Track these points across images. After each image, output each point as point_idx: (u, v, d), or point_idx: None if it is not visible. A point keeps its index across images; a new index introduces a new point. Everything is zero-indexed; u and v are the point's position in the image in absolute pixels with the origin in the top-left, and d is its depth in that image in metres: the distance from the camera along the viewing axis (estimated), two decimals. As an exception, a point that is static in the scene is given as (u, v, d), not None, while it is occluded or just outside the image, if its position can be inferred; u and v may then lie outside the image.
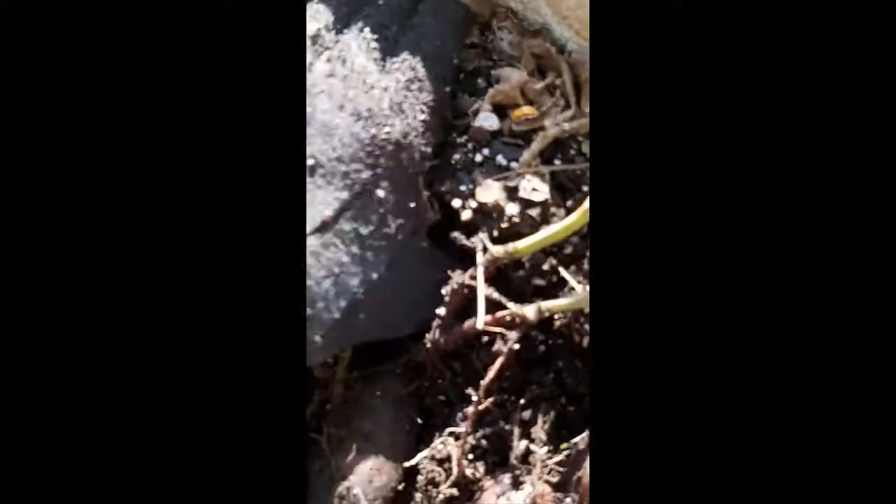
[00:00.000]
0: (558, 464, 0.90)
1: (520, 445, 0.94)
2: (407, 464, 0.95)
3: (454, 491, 0.92)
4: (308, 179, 0.90)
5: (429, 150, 0.99)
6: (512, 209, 0.97)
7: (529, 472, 0.91)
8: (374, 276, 0.92)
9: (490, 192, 0.97)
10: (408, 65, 0.98)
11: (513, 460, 0.93)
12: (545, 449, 0.91)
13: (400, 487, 0.94)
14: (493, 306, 0.93)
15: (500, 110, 1.05)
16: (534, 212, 0.97)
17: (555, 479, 0.90)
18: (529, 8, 1.06)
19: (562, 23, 1.03)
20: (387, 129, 0.93)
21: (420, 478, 0.94)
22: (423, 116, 0.98)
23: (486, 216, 0.98)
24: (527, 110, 1.02)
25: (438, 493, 0.92)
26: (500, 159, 1.01)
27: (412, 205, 0.96)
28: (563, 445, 0.92)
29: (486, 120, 1.04)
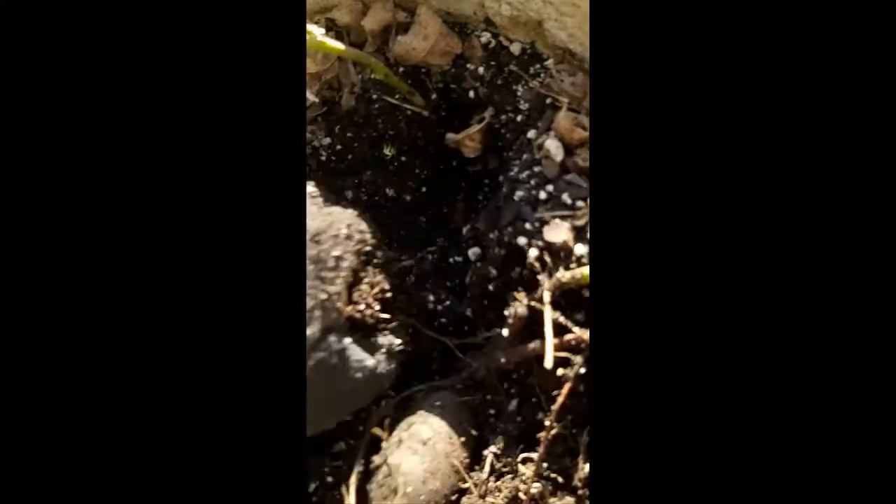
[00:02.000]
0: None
1: (584, 468, 0.96)
2: (466, 483, 0.99)
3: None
4: None
5: None
6: (580, 250, 0.99)
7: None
8: None
9: (558, 231, 1.00)
10: None
11: (576, 482, 0.97)
12: None
13: (454, 497, 0.99)
14: (558, 330, 0.97)
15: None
16: (602, 253, 0.99)
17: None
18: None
19: (623, 64, 1.07)
20: None
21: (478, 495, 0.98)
22: None
23: (554, 255, 1.00)
24: None
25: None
26: (566, 198, 1.03)
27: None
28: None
29: (553, 146, 1.07)
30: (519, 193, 1.06)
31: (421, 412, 1.05)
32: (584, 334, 0.95)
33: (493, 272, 1.07)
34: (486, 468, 1.00)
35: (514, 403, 1.04)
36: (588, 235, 1.00)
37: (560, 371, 0.95)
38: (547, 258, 1.00)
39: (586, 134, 1.07)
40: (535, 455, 0.97)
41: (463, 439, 1.03)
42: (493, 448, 1.02)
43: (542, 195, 1.05)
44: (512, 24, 1.16)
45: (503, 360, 1.03)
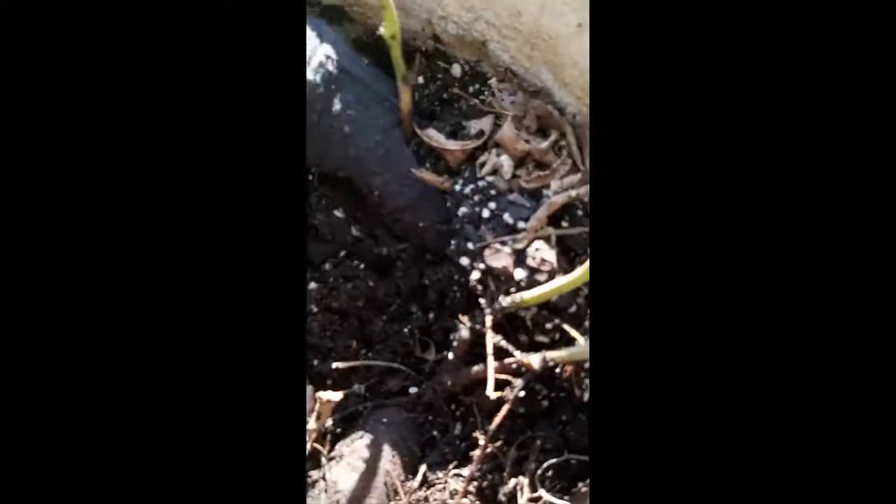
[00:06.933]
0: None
1: (510, 483, 1.00)
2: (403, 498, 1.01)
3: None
4: None
5: None
6: (520, 274, 1.01)
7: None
8: None
9: (499, 257, 1.01)
10: None
11: (501, 497, 1.00)
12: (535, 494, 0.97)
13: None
14: (499, 354, 1.00)
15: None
16: (541, 277, 1.00)
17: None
18: (530, 72, 1.13)
19: (563, 88, 1.09)
20: None
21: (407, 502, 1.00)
22: None
23: (495, 278, 1.02)
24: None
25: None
26: (507, 217, 1.04)
27: None
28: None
29: (505, 162, 1.07)
30: (462, 210, 1.08)
31: (365, 428, 1.06)
32: (525, 358, 0.98)
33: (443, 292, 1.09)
34: (419, 478, 1.03)
35: (458, 426, 1.06)
36: (528, 259, 1.02)
37: (499, 394, 0.98)
38: (489, 282, 1.03)
39: (529, 147, 1.08)
40: (465, 471, 0.99)
41: (406, 459, 1.04)
42: (428, 461, 1.04)
43: (485, 213, 1.07)
44: (458, 42, 1.17)
45: (449, 382, 1.05)
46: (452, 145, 1.10)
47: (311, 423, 1.05)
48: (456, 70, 1.19)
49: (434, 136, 1.11)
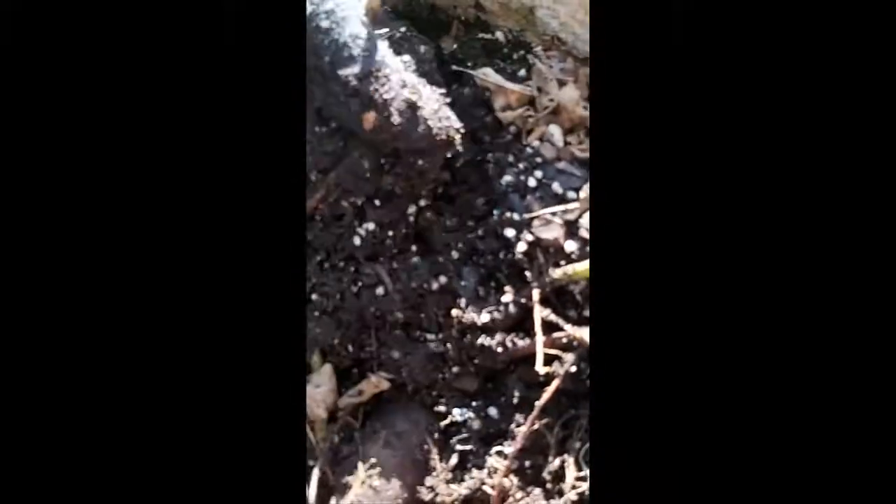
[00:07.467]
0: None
1: (555, 462, 0.96)
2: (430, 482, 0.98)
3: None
4: None
5: None
6: (571, 246, 0.97)
7: (560, 494, 0.94)
8: None
9: (549, 229, 0.97)
10: None
11: (545, 475, 0.96)
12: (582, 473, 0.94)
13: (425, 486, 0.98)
14: (548, 328, 0.96)
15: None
16: (592, 249, 0.96)
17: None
18: (581, 38, 1.09)
19: (617, 55, 1.05)
20: None
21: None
22: None
23: (544, 250, 0.98)
24: None
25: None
26: (556, 187, 1.00)
27: None
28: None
29: (550, 129, 1.04)
30: (507, 178, 1.03)
31: (401, 404, 1.03)
32: (576, 332, 0.94)
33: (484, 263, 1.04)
34: (455, 457, 1.00)
35: (500, 403, 1.02)
36: (580, 231, 0.98)
37: (547, 369, 0.94)
38: (537, 253, 0.98)
39: (586, 114, 1.04)
40: (508, 449, 0.96)
41: (442, 437, 1.01)
42: (466, 438, 1.01)
43: (532, 182, 1.02)
44: (503, 10, 1.13)
45: (490, 358, 1.00)
46: (511, 86, 1.05)
47: (352, 399, 1.01)
48: (500, 36, 1.15)
49: (490, 75, 1.05)
